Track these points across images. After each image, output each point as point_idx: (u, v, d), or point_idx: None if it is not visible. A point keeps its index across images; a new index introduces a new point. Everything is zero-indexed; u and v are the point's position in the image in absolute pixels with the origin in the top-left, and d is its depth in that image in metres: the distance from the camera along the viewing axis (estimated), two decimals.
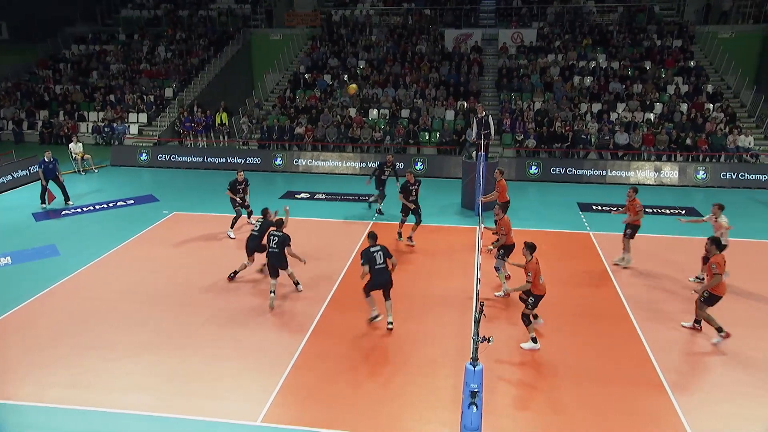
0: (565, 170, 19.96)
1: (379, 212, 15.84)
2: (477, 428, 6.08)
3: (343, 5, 31.67)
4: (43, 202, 16.38)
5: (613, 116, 22.19)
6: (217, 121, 23.66)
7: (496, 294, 10.95)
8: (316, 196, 17.72)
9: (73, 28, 31.95)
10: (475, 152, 15.95)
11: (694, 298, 9.76)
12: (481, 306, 6.52)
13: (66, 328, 9.78)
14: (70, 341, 9.35)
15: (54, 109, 26.25)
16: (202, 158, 21.84)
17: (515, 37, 27.03)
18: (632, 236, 12.14)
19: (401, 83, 24.91)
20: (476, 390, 5.97)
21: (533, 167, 20.10)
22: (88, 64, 28.93)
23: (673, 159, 20.61)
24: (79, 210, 16.30)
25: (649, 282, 11.62)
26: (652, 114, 22.20)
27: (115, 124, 24.77)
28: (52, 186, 16.48)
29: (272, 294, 10.59)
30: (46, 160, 16.30)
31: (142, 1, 33.34)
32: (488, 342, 6.29)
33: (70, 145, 20.77)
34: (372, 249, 9.53)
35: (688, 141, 20.55)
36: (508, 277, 11.35)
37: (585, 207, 16.65)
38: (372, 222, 15.19)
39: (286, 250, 10.55)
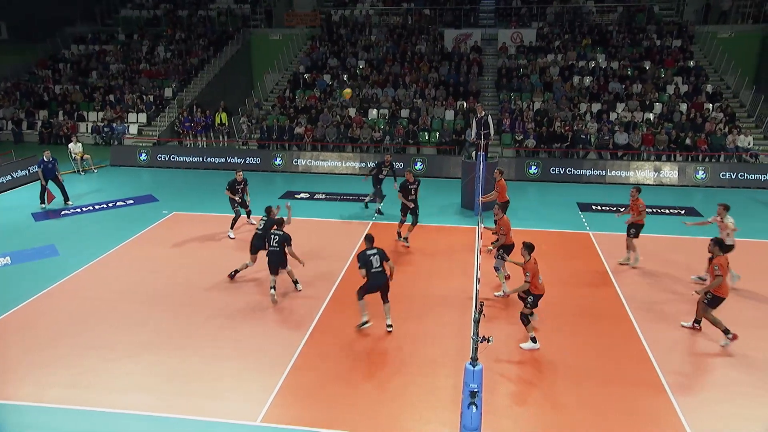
0: (565, 170, 19.97)
1: (379, 212, 15.85)
2: (476, 428, 6.08)
3: (342, 5, 31.67)
4: (42, 202, 16.37)
5: (613, 116, 22.19)
6: (217, 121, 23.66)
7: (496, 294, 10.95)
8: (315, 196, 17.72)
9: (72, 28, 31.94)
10: (474, 152, 15.95)
11: (694, 299, 9.76)
12: (481, 306, 6.52)
13: (66, 328, 9.78)
14: (69, 341, 9.34)
15: (53, 109, 26.25)
16: (201, 158, 21.83)
17: (515, 37, 27.04)
18: (636, 235, 12.13)
19: (401, 83, 24.91)
20: (476, 390, 5.96)
21: (533, 167, 20.10)
22: (88, 64, 28.92)
23: (672, 159, 20.62)
24: (78, 210, 16.29)
25: (649, 282, 11.62)
26: (651, 114, 22.21)
27: (114, 124, 24.78)
28: (51, 186, 16.47)
29: (273, 290, 10.67)
30: (45, 159, 16.29)
31: (142, 1, 33.34)
32: (488, 342, 6.30)
33: (70, 145, 20.77)
34: (368, 252, 9.43)
35: (688, 141, 20.56)
36: (507, 277, 11.35)
37: (584, 207, 16.66)
38: (372, 222, 15.19)
39: (286, 250, 10.57)
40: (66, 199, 16.73)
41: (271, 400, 7.89)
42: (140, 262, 12.57)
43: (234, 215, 14.03)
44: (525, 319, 9.09)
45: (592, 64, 25.12)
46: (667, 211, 16.18)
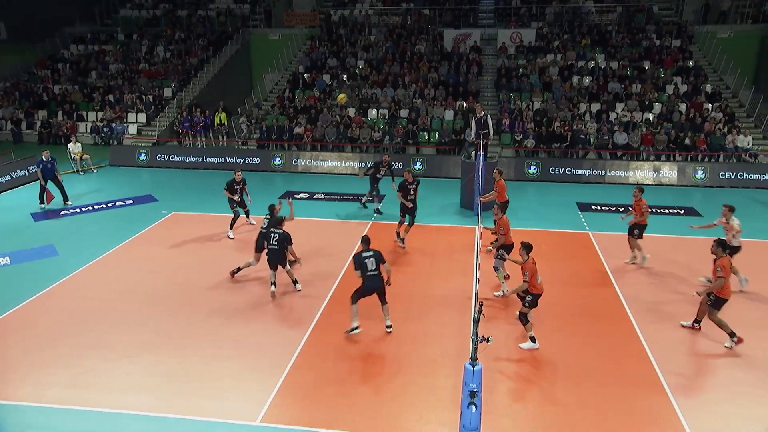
0: (564, 170, 19.98)
1: (378, 212, 15.86)
2: (476, 428, 6.08)
3: (342, 5, 31.68)
4: (41, 202, 16.36)
5: (612, 116, 22.20)
6: (216, 121, 23.65)
7: (496, 294, 10.95)
8: (315, 196, 17.72)
9: (71, 28, 31.93)
10: (474, 152, 15.95)
11: (695, 299, 9.74)
12: (480, 306, 6.52)
13: (65, 328, 9.77)
14: (69, 341, 9.34)
15: (53, 109, 26.24)
16: (201, 158, 21.83)
17: (514, 37, 27.05)
18: (640, 236, 12.12)
19: (400, 83, 24.92)
20: (475, 390, 5.96)
21: (532, 167, 20.11)
22: (87, 64, 28.91)
23: (672, 159, 20.63)
24: (77, 210, 16.29)
25: (649, 282, 11.63)
26: (650, 114, 22.22)
27: (113, 124, 24.77)
28: (50, 186, 16.46)
29: (273, 285, 10.79)
30: (44, 159, 16.28)
31: (141, 1, 33.33)
32: (487, 342, 6.30)
33: (69, 145, 20.76)
34: (364, 254, 9.32)
35: (687, 141, 20.57)
36: (507, 277, 11.36)
37: (584, 207, 16.67)
38: (371, 222, 15.19)
39: (287, 248, 10.62)
40: (65, 199, 16.73)
41: (270, 400, 7.89)
42: (140, 262, 12.56)
43: (233, 215, 14.03)
44: (524, 318, 9.10)
45: (592, 64, 25.14)
46: (667, 211, 16.18)
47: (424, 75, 25.26)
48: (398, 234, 13.58)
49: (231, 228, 14.11)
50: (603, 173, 19.80)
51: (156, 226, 14.93)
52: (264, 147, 22.55)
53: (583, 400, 7.92)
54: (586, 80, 24.30)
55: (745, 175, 19.08)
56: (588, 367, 8.65)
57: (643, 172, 19.63)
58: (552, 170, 20.01)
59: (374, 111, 23.71)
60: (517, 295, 9.41)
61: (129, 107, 25.73)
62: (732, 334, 9.09)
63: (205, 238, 13.97)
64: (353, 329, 9.42)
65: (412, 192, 13.26)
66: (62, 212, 16.04)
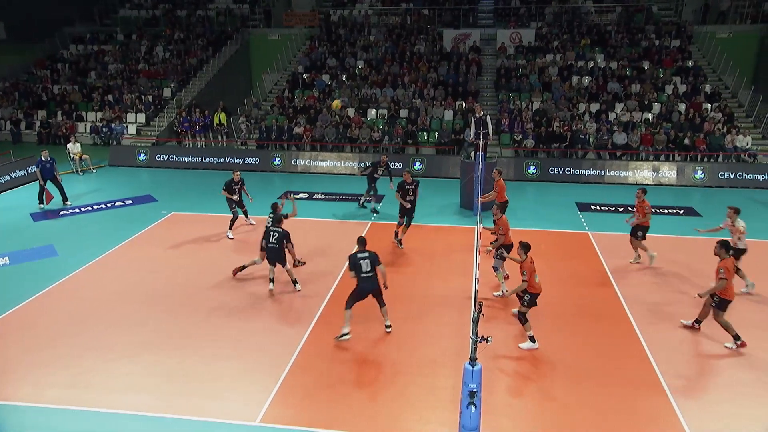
0: (564, 170, 19.99)
1: (374, 211, 15.91)
2: (475, 428, 6.08)
3: (341, 5, 31.68)
4: (41, 202, 16.36)
5: (612, 116, 22.21)
6: (216, 121, 23.67)
7: (495, 294, 10.95)
8: (314, 196, 17.71)
9: (71, 28, 31.93)
10: (473, 152, 15.96)
11: (695, 300, 9.73)
12: (480, 306, 6.52)
13: (65, 328, 9.77)
14: (68, 341, 9.34)
15: (52, 109, 26.23)
16: (200, 158, 21.83)
17: (513, 37, 27.06)
18: (643, 237, 12.13)
19: (400, 83, 24.92)
20: (475, 390, 5.96)
21: (532, 167, 20.11)
22: (86, 64, 28.90)
23: (671, 159, 20.64)
24: (77, 210, 16.28)
25: (648, 282, 11.63)
26: (650, 114, 22.23)
27: (113, 124, 24.77)
28: (50, 186, 16.46)
29: (271, 283, 10.91)
30: (43, 159, 16.28)
31: (140, 1, 33.32)
32: (487, 342, 6.30)
33: (68, 145, 20.76)
34: (359, 255, 9.20)
35: (687, 141, 20.58)
36: (506, 277, 11.36)
37: (583, 207, 16.67)
38: (371, 222, 15.19)
39: (286, 246, 10.66)
40: (64, 199, 16.72)
41: (270, 400, 7.89)
42: (139, 262, 12.56)
43: (232, 216, 14.01)
44: (522, 317, 9.11)
45: (591, 64, 25.14)
46: (666, 211, 16.18)
47: (423, 75, 25.26)
48: (396, 234, 13.56)
49: (230, 228, 14.10)
50: (602, 173, 19.81)
51: (155, 226, 14.92)
52: (263, 147, 22.55)
53: (583, 400, 7.92)
54: (586, 80, 24.31)
55: (744, 175, 19.09)
56: (588, 367, 8.65)
57: (642, 172, 19.64)
58: (551, 170, 20.02)
59: (374, 111, 23.71)
60: (516, 294, 9.42)
61: (128, 107, 25.72)
62: (736, 337, 9.07)
63: (204, 239, 13.96)
64: (343, 335, 9.29)
65: (410, 193, 13.24)
66: (61, 212, 16.04)
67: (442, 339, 9.42)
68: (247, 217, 14.63)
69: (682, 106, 22.17)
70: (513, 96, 23.79)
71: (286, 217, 11.50)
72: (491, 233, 11.16)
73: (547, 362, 8.81)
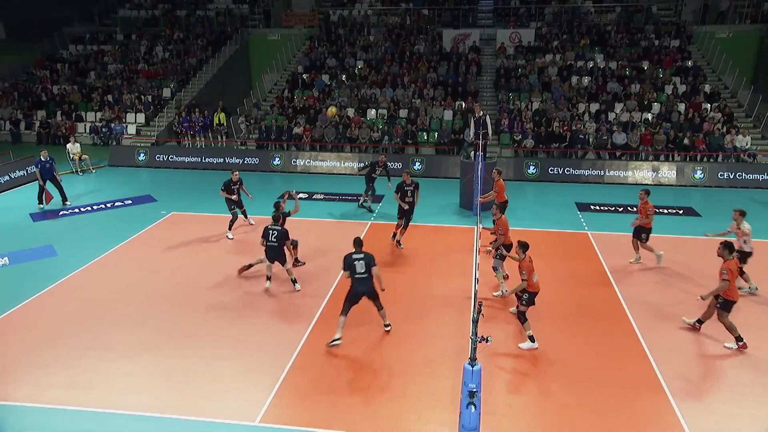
0: (563, 170, 19.99)
1: (369, 209, 16.06)
2: (475, 428, 6.08)
3: (341, 5, 31.68)
4: (40, 202, 16.35)
5: (611, 116, 22.22)
6: (215, 121, 23.67)
7: (495, 294, 10.95)
8: (314, 197, 17.71)
9: (70, 29, 31.92)
10: (473, 152, 15.97)
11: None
12: (480, 306, 6.52)
13: (64, 328, 9.77)
14: (68, 342, 9.33)
15: (51, 110, 26.22)
16: (200, 158, 21.83)
17: (513, 37, 27.06)
18: (647, 239, 12.12)
19: (399, 83, 24.92)
20: (474, 390, 5.97)
21: (531, 167, 20.12)
22: (86, 64, 28.90)
23: (670, 159, 20.65)
24: (76, 210, 16.27)
25: (648, 282, 11.64)
26: (649, 114, 22.24)
27: (112, 125, 24.76)
28: (49, 186, 16.45)
29: (268, 281, 11.03)
30: (42, 159, 16.28)
31: (140, 1, 33.31)
32: (486, 342, 6.30)
33: (68, 146, 20.75)
34: (354, 256, 9.07)
35: (686, 141, 20.59)
36: (506, 277, 11.37)
37: (583, 207, 16.68)
38: (370, 222, 15.19)
39: (285, 245, 10.71)
40: (64, 199, 16.71)
41: (270, 400, 7.88)
42: (139, 262, 12.56)
43: (231, 216, 14.00)
44: (522, 316, 9.12)
45: (591, 64, 25.16)
46: (666, 211, 16.18)
47: (423, 75, 25.27)
48: (394, 236, 13.54)
49: (230, 228, 14.09)
50: (602, 173, 19.82)
51: (155, 226, 14.92)
52: (263, 147, 22.55)
53: (583, 400, 7.92)
54: (585, 80, 24.32)
55: (743, 175, 19.10)
56: (587, 367, 8.66)
57: (642, 172, 19.65)
58: (551, 170, 20.02)
59: (373, 111, 23.71)
60: (515, 294, 9.43)
61: (128, 107, 25.72)
62: (739, 338, 9.06)
63: (204, 239, 13.96)
64: (334, 341, 9.15)
65: (409, 194, 13.20)
66: (61, 212, 16.03)
67: (442, 339, 9.42)
68: (246, 217, 14.61)
69: (682, 106, 22.18)
70: (512, 96, 23.79)
71: (288, 214, 11.54)
72: (491, 233, 11.17)
73: (547, 362, 8.81)
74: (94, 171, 20.94)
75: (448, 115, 23.15)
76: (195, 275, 11.86)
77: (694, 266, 12.08)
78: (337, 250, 13.06)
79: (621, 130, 21.05)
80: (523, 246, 9.13)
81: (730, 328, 9.08)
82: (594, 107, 22.72)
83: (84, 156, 20.76)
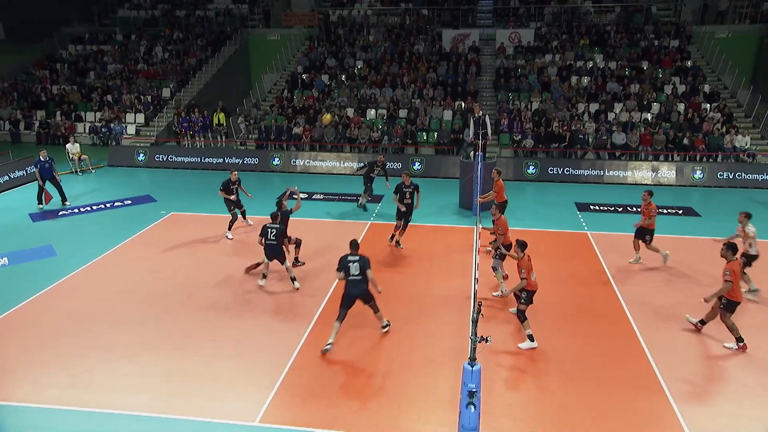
0: (563, 170, 20.00)
1: (363, 207, 16.15)
2: (475, 428, 6.08)
3: (340, 5, 31.69)
4: (40, 202, 16.35)
5: (611, 116, 22.24)
6: (215, 121, 23.67)
7: (494, 294, 10.95)
8: (313, 197, 17.71)
9: (70, 29, 31.91)
10: (472, 152, 15.97)
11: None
12: (479, 306, 6.52)
13: (64, 328, 9.76)
14: (68, 342, 9.33)
15: (51, 110, 26.21)
16: (199, 158, 21.82)
17: (513, 37, 27.07)
18: (651, 241, 12.12)
19: (399, 83, 24.93)
20: (474, 390, 5.97)
21: (531, 167, 20.12)
22: (85, 65, 28.89)
23: (670, 159, 20.66)
24: (76, 210, 16.27)
25: (648, 282, 11.64)
26: (649, 114, 22.25)
27: (112, 125, 24.76)
28: (49, 186, 16.45)
29: (263, 279, 11.13)
30: (42, 159, 16.27)
31: (140, 1, 33.31)
32: (486, 342, 6.30)
33: (67, 146, 20.74)
34: (349, 258, 9.02)
35: (686, 141, 20.61)
36: (505, 277, 11.37)
37: (582, 207, 16.68)
38: (370, 222, 15.19)
39: (283, 243, 10.81)
40: (63, 199, 16.71)
41: (269, 401, 7.88)
42: (138, 262, 12.56)
43: (231, 217, 13.99)
44: (521, 315, 9.13)
45: (590, 64, 25.17)
46: (665, 211, 16.18)
47: (422, 75, 25.27)
48: (392, 237, 13.53)
49: (229, 229, 14.08)
50: (601, 173, 19.82)
51: (155, 226, 14.92)
52: (262, 147, 22.55)
53: (583, 400, 7.92)
54: (585, 80, 24.33)
55: (743, 175, 19.11)
56: (587, 367, 8.66)
57: (641, 172, 19.66)
58: (550, 170, 20.03)
59: (373, 111, 23.72)
60: (514, 294, 9.45)
61: (127, 107, 25.71)
62: (739, 339, 9.06)
63: (203, 239, 13.96)
64: (326, 348, 8.98)
65: (408, 196, 13.14)
66: (60, 212, 16.02)
67: (442, 339, 9.43)
68: (244, 218, 14.58)
69: (681, 106, 22.19)
70: (512, 96, 23.80)
71: (290, 212, 11.56)
72: (490, 233, 11.18)
73: (547, 362, 8.81)
74: (93, 171, 20.93)
75: (447, 115, 23.16)
76: (195, 275, 11.86)
77: (694, 266, 12.08)
78: (337, 250, 13.03)
79: (620, 130, 21.07)
80: (521, 245, 9.16)
81: (732, 329, 9.08)
82: (593, 107, 22.73)
83: (83, 156, 20.75)
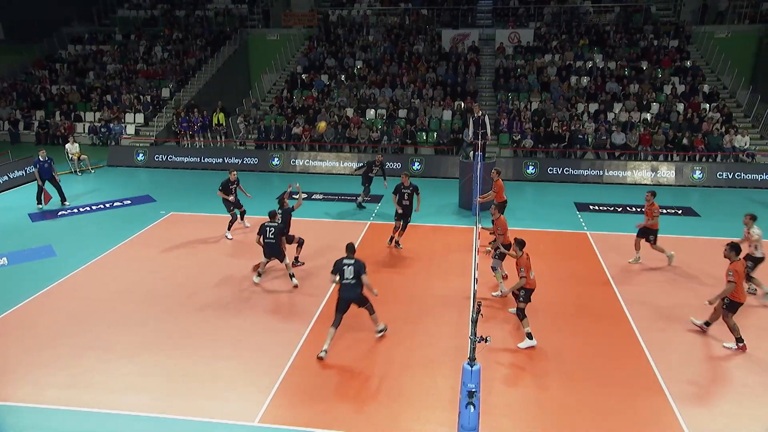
0: (562, 170, 20.01)
1: (360, 206, 16.21)
2: (474, 428, 6.09)
3: (340, 5, 31.69)
4: (39, 202, 16.34)
5: (610, 116, 22.24)
6: (214, 121, 23.66)
7: (494, 294, 10.96)
8: (313, 197, 17.70)
9: (69, 28, 31.89)
10: (472, 152, 15.98)
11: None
12: (479, 306, 6.53)
13: (64, 328, 9.76)
14: (67, 342, 9.33)
15: (50, 110, 26.20)
16: (199, 158, 21.82)
17: (512, 37, 27.08)
18: (655, 241, 12.12)
19: (398, 83, 24.93)
20: (473, 390, 5.97)
21: (530, 167, 20.13)
22: (85, 64, 28.87)
23: (669, 159, 20.67)
24: (75, 210, 16.26)
25: (648, 282, 11.65)
26: (648, 114, 22.26)
27: (111, 125, 24.75)
28: (48, 186, 16.44)
29: (258, 276, 11.22)
30: (41, 159, 16.27)
31: (139, 1, 33.29)
32: (485, 342, 6.30)
33: (67, 146, 20.73)
34: (345, 261, 8.92)
35: (685, 141, 20.61)
36: (505, 277, 11.38)
37: (582, 207, 16.69)
38: (370, 222, 15.19)
39: (282, 241, 10.88)
40: (63, 199, 16.70)
41: (269, 401, 7.88)
42: (138, 262, 12.55)
43: (231, 217, 13.98)
44: (521, 313, 9.15)
45: (590, 64, 25.18)
46: (665, 211, 16.15)
47: (422, 75, 25.28)
48: (392, 238, 13.51)
49: (229, 229, 14.07)
50: (601, 173, 19.83)
51: (154, 226, 14.92)
52: (262, 147, 22.55)
53: (582, 400, 7.93)
54: (584, 80, 24.34)
55: (742, 175, 19.13)
56: (587, 367, 8.66)
57: (640, 172, 19.67)
58: (550, 170, 20.04)
59: (372, 111, 23.72)
60: (512, 293, 9.46)
61: (127, 107, 25.70)
62: (739, 340, 9.06)
63: (203, 239, 13.95)
64: (321, 353, 8.85)
65: (406, 197, 13.09)
66: (60, 213, 16.02)
67: (442, 339, 9.43)
68: (242, 219, 14.55)
69: (681, 106, 22.21)
70: (512, 96, 23.81)
71: (293, 209, 11.59)
72: (490, 233, 11.18)
73: (547, 362, 8.82)
74: (92, 171, 20.92)
75: (447, 115, 23.16)
76: (194, 275, 11.86)
77: (694, 266, 12.09)
78: (336, 250, 13.00)
79: (620, 130, 21.08)
80: (520, 243, 9.20)
81: (733, 329, 9.09)
82: (593, 107, 22.73)
83: (83, 156, 20.74)
